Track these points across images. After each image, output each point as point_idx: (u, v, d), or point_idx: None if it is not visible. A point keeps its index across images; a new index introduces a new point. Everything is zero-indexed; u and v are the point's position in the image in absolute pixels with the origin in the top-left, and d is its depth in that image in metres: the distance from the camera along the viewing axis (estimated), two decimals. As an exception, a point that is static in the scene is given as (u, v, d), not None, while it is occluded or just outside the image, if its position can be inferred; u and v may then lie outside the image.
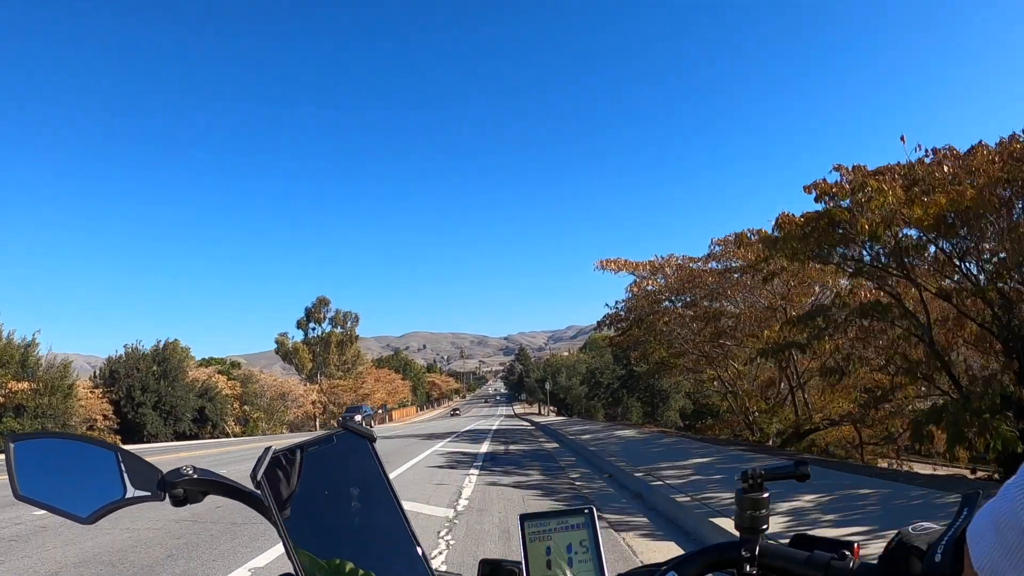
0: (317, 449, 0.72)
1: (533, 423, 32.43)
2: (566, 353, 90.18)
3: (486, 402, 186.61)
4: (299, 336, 64.31)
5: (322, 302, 63.75)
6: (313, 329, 64.06)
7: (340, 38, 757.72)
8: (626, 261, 15.77)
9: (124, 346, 38.65)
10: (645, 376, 24.62)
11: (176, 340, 39.57)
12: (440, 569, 0.79)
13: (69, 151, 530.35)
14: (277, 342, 62.72)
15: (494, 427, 30.29)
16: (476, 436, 21.22)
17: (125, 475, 0.77)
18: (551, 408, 71.59)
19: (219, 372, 54.27)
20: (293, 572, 0.66)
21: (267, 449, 0.69)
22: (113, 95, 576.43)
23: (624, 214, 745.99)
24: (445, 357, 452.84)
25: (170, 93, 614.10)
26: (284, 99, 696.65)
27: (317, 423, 63.40)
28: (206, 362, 58.06)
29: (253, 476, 0.67)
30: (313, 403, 60.42)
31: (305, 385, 62.11)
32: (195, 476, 0.79)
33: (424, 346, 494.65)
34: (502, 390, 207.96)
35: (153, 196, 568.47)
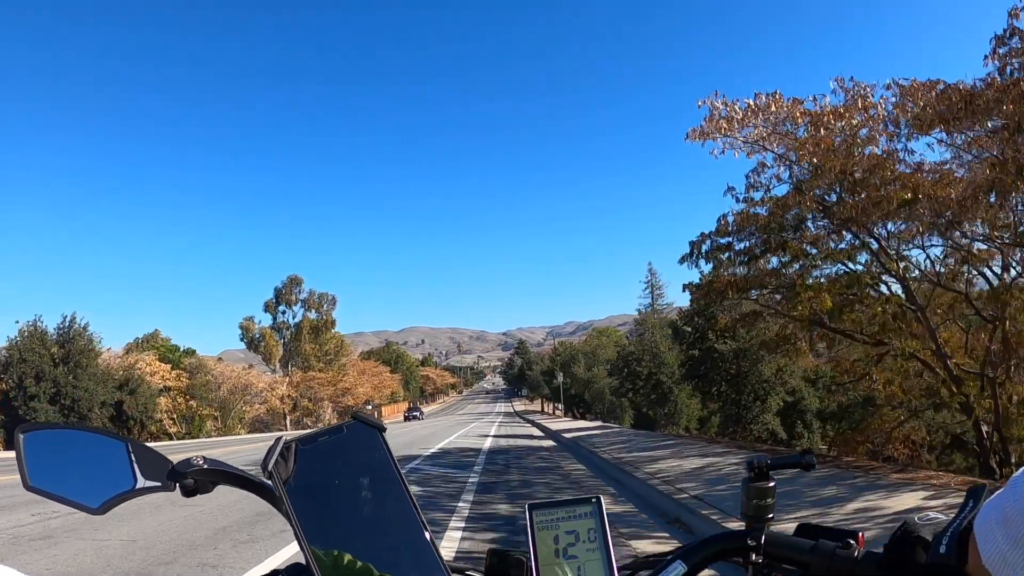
0: (327, 440, 0.72)
1: (549, 433, 22.50)
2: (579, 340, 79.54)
3: (487, 394, 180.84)
4: (267, 321, 55.56)
5: (294, 281, 55.08)
6: (283, 313, 55.38)
7: (333, 6, 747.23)
8: (775, 96, 7.38)
9: (16, 322, 30.27)
10: (738, 357, 16.16)
11: (74, 316, 30.73)
12: (452, 563, 0.77)
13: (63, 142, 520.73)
14: (242, 328, 54.08)
15: (487, 443, 18.45)
16: (441, 483, 9.96)
17: (135, 466, 0.77)
18: (557, 406, 62.92)
19: (161, 360, 45.77)
20: (305, 562, 0.66)
21: (277, 439, 0.70)
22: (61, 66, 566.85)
23: (623, 213, 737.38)
24: (443, 352, 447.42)
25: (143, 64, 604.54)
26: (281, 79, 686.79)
27: (288, 422, 54.93)
28: (152, 348, 49.48)
29: (264, 466, 0.68)
30: (282, 398, 51.85)
31: (272, 377, 53.57)
32: (205, 466, 0.79)
33: (423, 341, 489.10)
34: (501, 385, 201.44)
35: (145, 181, 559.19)
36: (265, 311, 54.96)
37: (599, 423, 28.21)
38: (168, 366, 43.29)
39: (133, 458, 0.78)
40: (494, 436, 22.51)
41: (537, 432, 25.88)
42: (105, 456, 0.78)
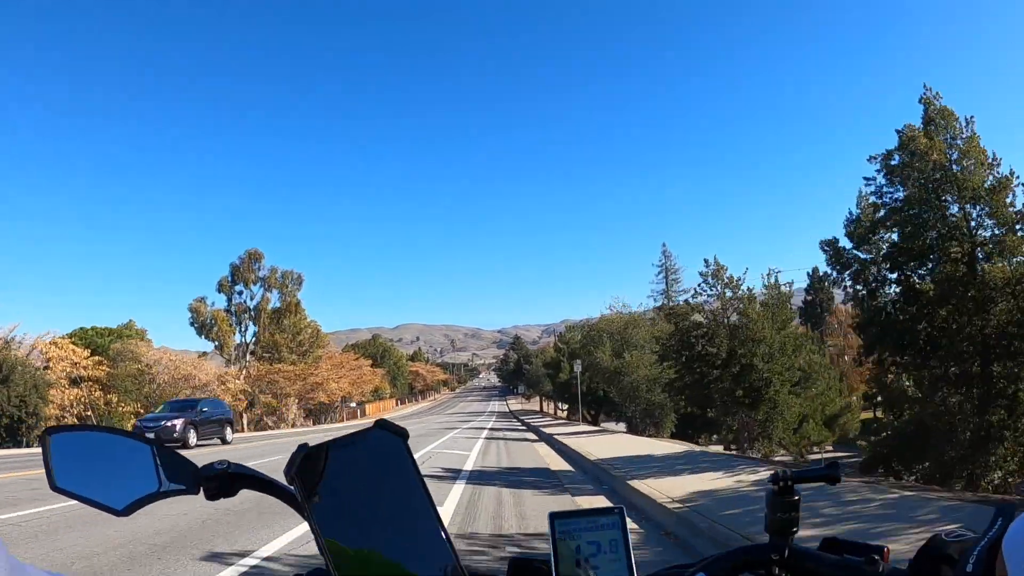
0: (350, 446, 0.73)
1: (593, 472, 12.04)
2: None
3: (483, 390, 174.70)
4: (221, 302, 47.39)
5: (253, 257, 46.96)
6: (240, 293, 47.25)
7: None
8: None
9: None
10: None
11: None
12: (471, 567, 0.79)
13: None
14: (191, 310, 45.95)
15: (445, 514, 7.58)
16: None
17: (160, 469, 0.80)
18: (560, 406, 54.86)
19: (88, 345, 37.77)
20: (325, 567, 0.67)
21: (301, 446, 0.71)
22: None
23: (620, 209, 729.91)
24: (438, 349, 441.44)
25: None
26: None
27: (244, 421, 46.95)
28: (82, 333, 41.42)
29: (287, 472, 0.70)
30: (235, 394, 43.84)
31: (223, 368, 45.59)
32: (229, 470, 0.82)
33: (417, 338, 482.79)
34: (495, 382, 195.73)
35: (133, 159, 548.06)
36: (219, 291, 46.76)
37: (625, 431, 19.98)
38: (87, 352, 35.31)
39: (158, 461, 0.80)
40: (472, 478, 11.14)
41: (556, 459, 14.90)
42: (130, 458, 0.79)
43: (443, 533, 0.70)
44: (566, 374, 35.27)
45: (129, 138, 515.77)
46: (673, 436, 20.90)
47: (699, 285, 16.25)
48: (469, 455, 15.09)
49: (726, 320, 16.27)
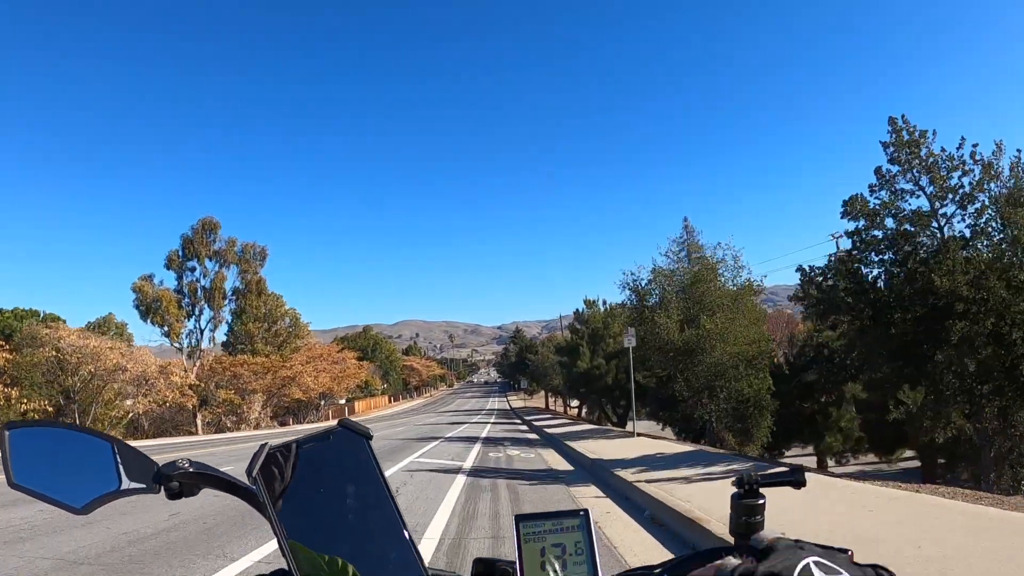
0: (313, 446, 0.73)
1: None
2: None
3: (485, 384, 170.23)
4: (171, 281, 40.16)
5: (207, 227, 39.68)
6: (193, 270, 40.02)
7: None
8: None
9: None
10: None
11: None
12: (434, 567, 0.79)
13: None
14: (135, 289, 38.71)
15: None
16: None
17: (121, 467, 0.78)
18: (571, 404, 47.64)
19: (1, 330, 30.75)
20: (287, 567, 0.68)
21: (263, 445, 0.71)
22: None
23: (617, 204, 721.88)
24: (438, 346, 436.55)
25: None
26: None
27: (198, 423, 39.85)
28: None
29: (249, 471, 0.69)
30: (182, 389, 36.70)
31: (163, 359, 38.36)
32: (191, 470, 0.80)
33: (417, 334, 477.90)
34: (495, 378, 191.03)
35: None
36: (168, 267, 39.51)
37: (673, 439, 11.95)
38: (-14, 336, 28.21)
39: (119, 459, 0.78)
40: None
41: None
42: (91, 456, 0.78)
43: (407, 537, 0.69)
44: (586, 362, 28.12)
45: (134, 130, 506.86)
46: (770, 451, 13.68)
47: (884, 170, 9.13)
48: (442, 508, 6.74)
49: (946, 232, 8.68)
